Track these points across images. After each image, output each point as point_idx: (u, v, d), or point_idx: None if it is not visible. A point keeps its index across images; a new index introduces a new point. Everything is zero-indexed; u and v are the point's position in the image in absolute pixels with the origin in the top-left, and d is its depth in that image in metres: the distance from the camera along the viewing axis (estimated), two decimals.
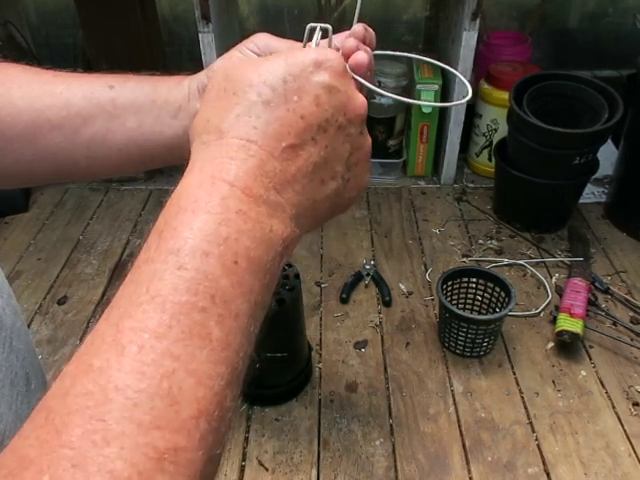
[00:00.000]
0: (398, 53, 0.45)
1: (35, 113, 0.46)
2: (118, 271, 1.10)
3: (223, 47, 1.20)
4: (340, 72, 0.35)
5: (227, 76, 0.34)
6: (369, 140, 0.37)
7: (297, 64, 0.34)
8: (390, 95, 0.41)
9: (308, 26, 0.38)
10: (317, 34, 0.38)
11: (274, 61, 0.34)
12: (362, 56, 0.37)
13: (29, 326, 0.97)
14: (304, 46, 0.39)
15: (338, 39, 0.40)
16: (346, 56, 0.37)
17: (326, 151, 0.34)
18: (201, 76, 0.47)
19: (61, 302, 1.03)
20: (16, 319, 0.42)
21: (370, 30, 0.41)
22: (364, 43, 0.40)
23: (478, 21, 1.12)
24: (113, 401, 0.23)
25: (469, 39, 1.14)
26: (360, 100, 0.36)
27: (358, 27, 0.40)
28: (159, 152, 0.50)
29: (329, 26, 0.38)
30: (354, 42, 0.38)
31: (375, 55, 0.42)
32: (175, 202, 0.30)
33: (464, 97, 0.41)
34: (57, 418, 0.23)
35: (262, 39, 0.44)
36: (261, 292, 0.30)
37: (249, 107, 0.33)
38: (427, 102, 0.41)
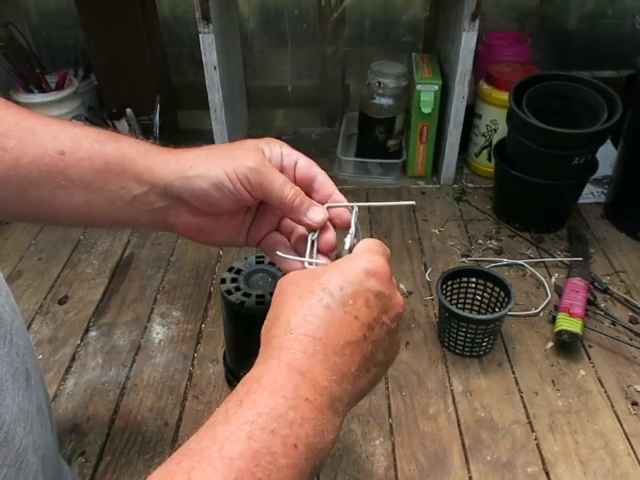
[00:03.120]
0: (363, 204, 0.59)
1: None
2: (119, 271, 1.11)
3: (223, 47, 1.20)
4: (386, 278, 0.44)
5: (292, 282, 0.42)
6: (401, 333, 0.45)
7: (351, 272, 0.41)
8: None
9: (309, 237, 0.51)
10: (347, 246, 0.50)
11: (332, 272, 0.41)
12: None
13: (30, 326, 0.98)
14: (309, 255, 0.50)
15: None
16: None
17: (373, 345, 0.41)
18: (169, 177, 0.47)
19: (62, 302, 1.03)
20: (15, 317, 0.43)
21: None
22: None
23: (477, 22, 1.12)
24: None
25: (468, 40, 1.14)
26: (399, 300, 0.45)
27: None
28: (112, 225, 0.52)
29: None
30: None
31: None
32: (257, 378, 0.37)
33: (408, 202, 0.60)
34: None
35: (276, 147, 0.51)
36: (311, 475, 0.35)
37: (313, 309, 0.39)
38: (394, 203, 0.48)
